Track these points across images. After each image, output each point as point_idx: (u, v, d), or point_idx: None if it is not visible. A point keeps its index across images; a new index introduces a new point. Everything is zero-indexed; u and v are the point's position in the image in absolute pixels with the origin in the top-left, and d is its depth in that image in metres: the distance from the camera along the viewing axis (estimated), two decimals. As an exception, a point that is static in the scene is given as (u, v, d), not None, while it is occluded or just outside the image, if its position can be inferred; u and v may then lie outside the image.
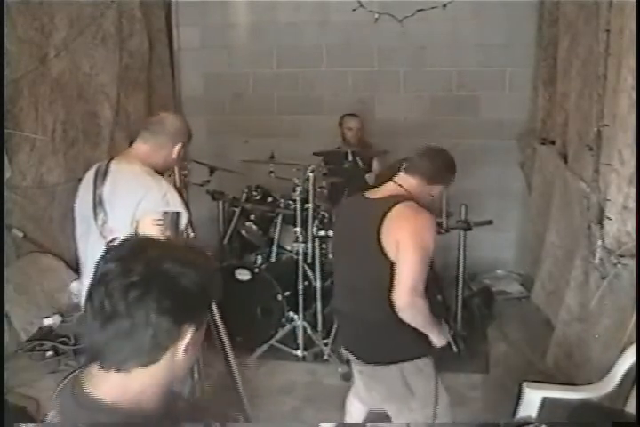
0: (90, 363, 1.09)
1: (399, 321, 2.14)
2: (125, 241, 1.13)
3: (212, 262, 1.17)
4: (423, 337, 2.25)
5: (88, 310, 1.06)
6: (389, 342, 2.24)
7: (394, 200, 2.19)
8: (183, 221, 2.29)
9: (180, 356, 1.09)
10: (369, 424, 2.67)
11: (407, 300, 2.09)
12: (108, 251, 1.10)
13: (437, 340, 2.27)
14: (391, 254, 2.12)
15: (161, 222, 2.22)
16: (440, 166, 2.35)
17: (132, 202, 2.23)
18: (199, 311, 1.11)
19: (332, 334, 3.71)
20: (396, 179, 2.32)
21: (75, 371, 1.18)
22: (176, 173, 2.63)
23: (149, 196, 2.23)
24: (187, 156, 3.68)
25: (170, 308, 1.03)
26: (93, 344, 1.07)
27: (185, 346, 1.08)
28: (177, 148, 2.43)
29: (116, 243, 1.14)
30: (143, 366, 1.06)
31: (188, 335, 1.08)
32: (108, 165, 2.38)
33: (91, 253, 2.35)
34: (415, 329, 2.20)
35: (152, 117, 2.58)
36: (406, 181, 2.30)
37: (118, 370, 1.06)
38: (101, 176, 2.36)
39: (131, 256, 1.06)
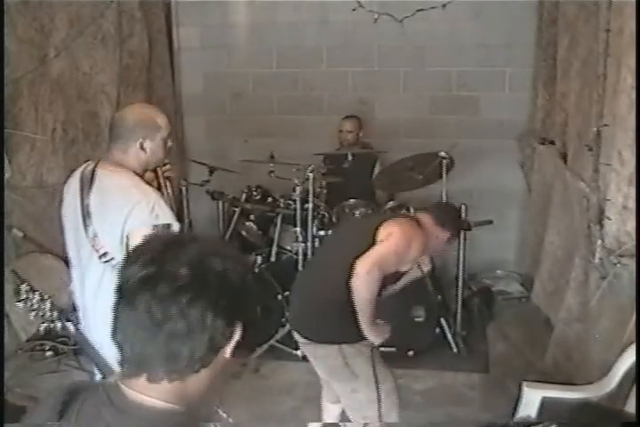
0: (135, 375, 0.99)
1: (350, 303, 2.28)
2: (154, 241, 1.04)
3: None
4: None
5: (129, 318, 0.97)
6: (335, 323, 2.37)
7: (405, 215, 2.65)
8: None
9: (226, 355, 1.02)
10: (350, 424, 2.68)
11: (367, 267, 2.25)
12: (136, 254, 1.01)
13: (372, 334, 2.35)
14: (378, 240, 2.35)
15: None
16: (450, 215, 2.69)
17: (119, 218, 2.10)
18: (249, 306, 1.03)
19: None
20: (415, 212, 2.75)
21: (91, 385, 1.07)
22: (159, 173, 2.35)
23: (137, 210, 2.09)
24: (185, 155, 3.60)
25: (224, 307, 0.97)
26: (142, 354, 0.97)
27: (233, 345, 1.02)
28: (147, 144, 2.18)
29: (140, 244, 1.04)
30: (196, 371, 0.99)
31: (238, 333, 1.02)
32: (93, 173, 2.21)
33: (83, 264, 2.25)
34: None
35: (115, 114, 2.36)
36: (421, 215, 2.61)
37: (171, 380, 0.98)
38: (87, 184, 2.20)
39: (170, 257, 0.97)
